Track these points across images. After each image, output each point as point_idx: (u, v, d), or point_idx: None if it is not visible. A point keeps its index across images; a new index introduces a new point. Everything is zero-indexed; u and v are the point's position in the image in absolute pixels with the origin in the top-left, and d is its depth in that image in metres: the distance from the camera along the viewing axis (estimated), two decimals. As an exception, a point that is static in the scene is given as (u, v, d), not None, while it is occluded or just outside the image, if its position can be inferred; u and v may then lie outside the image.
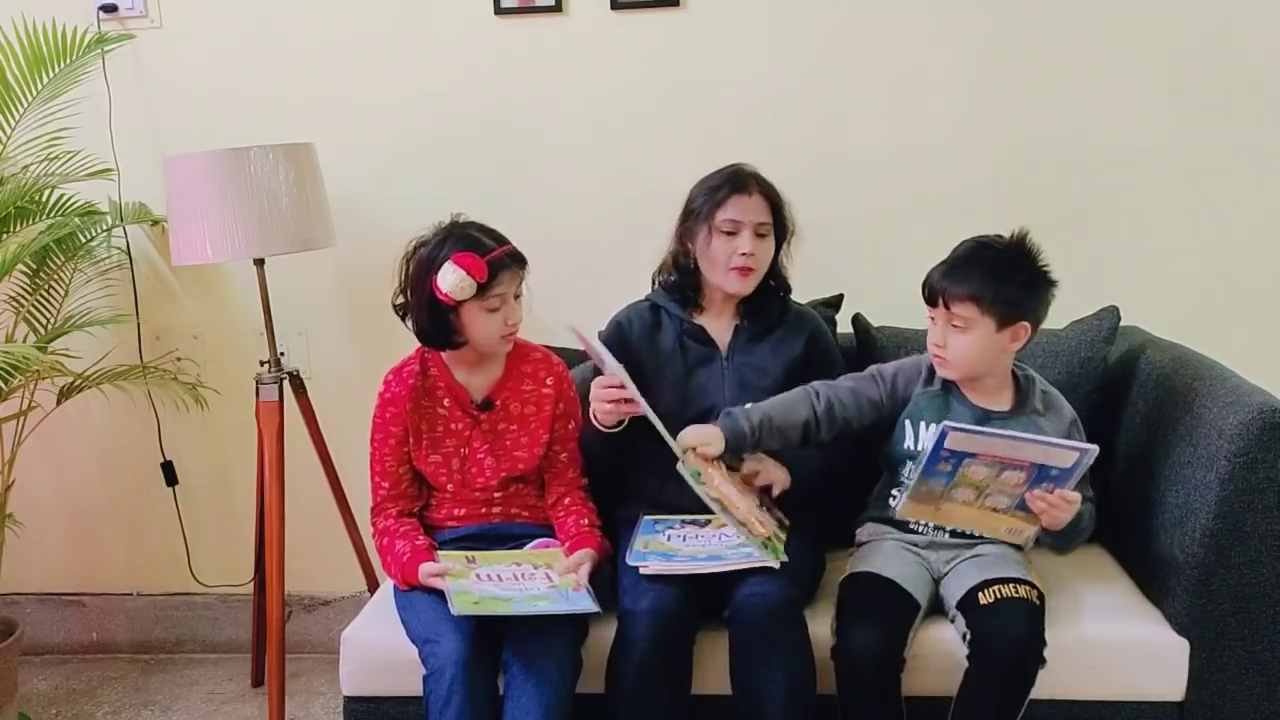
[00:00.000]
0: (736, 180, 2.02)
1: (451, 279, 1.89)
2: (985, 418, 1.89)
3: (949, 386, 1.94)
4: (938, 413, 1.90)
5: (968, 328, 1.82)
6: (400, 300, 2.02)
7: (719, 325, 2.10)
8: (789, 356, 2.08)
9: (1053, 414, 1.92)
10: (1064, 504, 1.74)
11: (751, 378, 2.05)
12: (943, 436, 1.69)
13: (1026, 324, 1.84)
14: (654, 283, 2.17)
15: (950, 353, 1.85)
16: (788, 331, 2.10)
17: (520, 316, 1.99)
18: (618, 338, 2.11)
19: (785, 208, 2.05)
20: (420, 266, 1.95)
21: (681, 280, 2.09)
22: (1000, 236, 1.89)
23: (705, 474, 1.83)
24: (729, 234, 1.99)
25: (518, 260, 1.97)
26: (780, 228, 2.05)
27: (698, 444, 1.85)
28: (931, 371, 1.95)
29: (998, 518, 1.81)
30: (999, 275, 1.82)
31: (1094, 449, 1.71)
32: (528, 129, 2.58)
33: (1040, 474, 1.73)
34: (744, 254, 1.99)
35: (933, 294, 1.86)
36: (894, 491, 1.97)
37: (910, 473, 1.86)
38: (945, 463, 1.73)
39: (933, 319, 1.88)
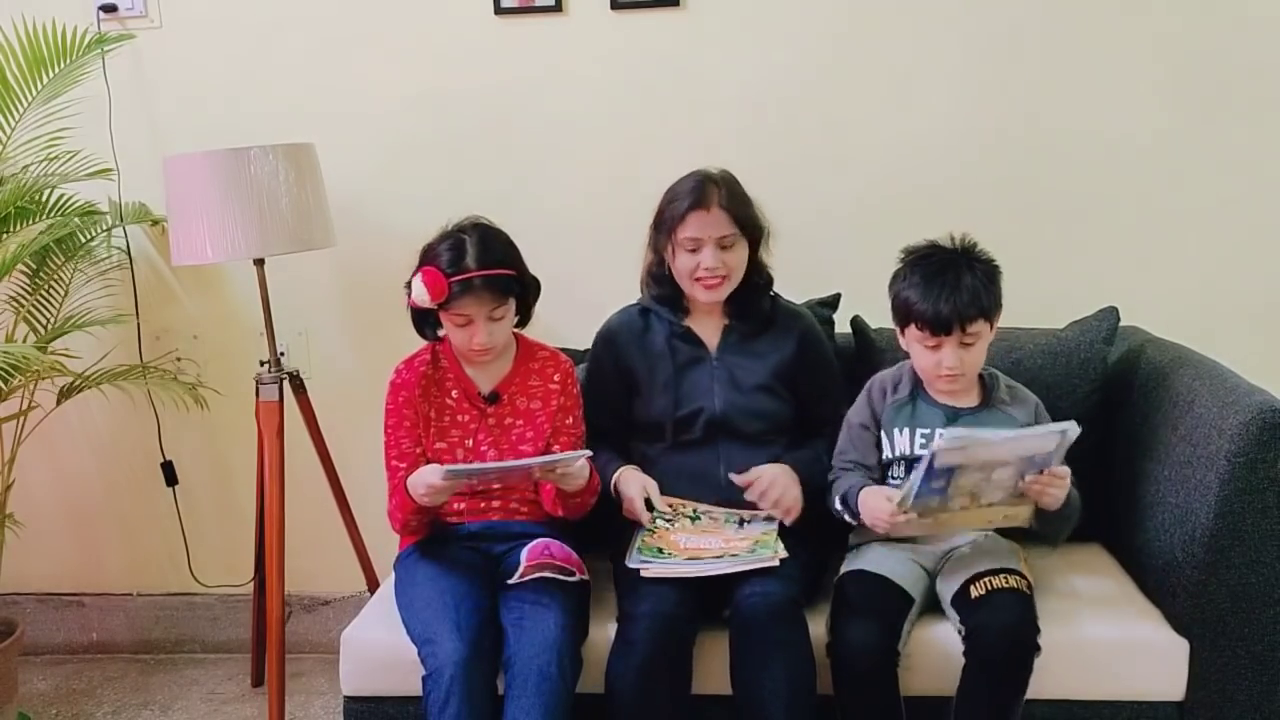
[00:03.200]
0: (696, 195, 1.99)
1: (415, 288, 1.93)
2: (954, 415, 1.94)
3: (916, 393, 1.99)
4: (907, 419, 1.97)
5: (977, 341, 1.89)
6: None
7: (708, 326, 2.11)
8: (779, 357, 2.08)
9: (1018, 403, 1.97)
10: (1057, 481, 1.78)
11: (741, 378, 2.05)
12: (932, 460, 1.69)
13: (999, 313, 1.94)
14: (642, 287, 2.17)
15: (965, 368, 1.90)
16: (779, 331, 2.10)
17: (486, 340, 1.95)
18: (607, 345, 2.13)
19: (751, 212, 2.03)
20: (418, 260, 1.98)
21: (662, 289, 2.10)
22: (952, 250, 1.93)
23: (663, 531, 1.92)
24: (692, 251, 2.00)
25: (494, 286, 1.93)
26: (751, 230, 2.03)
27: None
28: (896, 384, 2.01)
29: (994, 510, 1.84)
30: (987, 287, 1.89)
31: (1073, 425, 1.73)
32: (528, 129, 2.57)
33: (1027, 464, 1.76)
34: (706, 268, 1.99)
35: (947, 325, 1.85)
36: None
37: (904, 487, 1.85)
38: (937, 480, 1.73)
39: (935, 346, 1.88)
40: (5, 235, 2.48)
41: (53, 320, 2.62)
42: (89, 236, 2.62)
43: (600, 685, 1.83)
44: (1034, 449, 1.74)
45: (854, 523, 1.94)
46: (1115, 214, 2.47)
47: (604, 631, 1.87)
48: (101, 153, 2.60)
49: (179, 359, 2.77)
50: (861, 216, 2.51)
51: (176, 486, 2.83)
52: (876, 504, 1.85)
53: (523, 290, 2.01)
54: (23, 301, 2.59)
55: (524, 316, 2.07)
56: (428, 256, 1.96)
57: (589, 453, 1.91)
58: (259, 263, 2.40)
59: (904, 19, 2.44)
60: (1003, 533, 2.00)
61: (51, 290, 2.62)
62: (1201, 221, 2.45)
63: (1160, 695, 1.85)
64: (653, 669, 1.78)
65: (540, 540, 1.99)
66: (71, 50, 2.47)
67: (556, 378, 2.08)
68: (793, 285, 2.17)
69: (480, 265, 1.92)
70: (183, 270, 2.71)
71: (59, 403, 2.63)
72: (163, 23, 2.62)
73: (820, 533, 2.05)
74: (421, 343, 2.09)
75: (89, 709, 2.67)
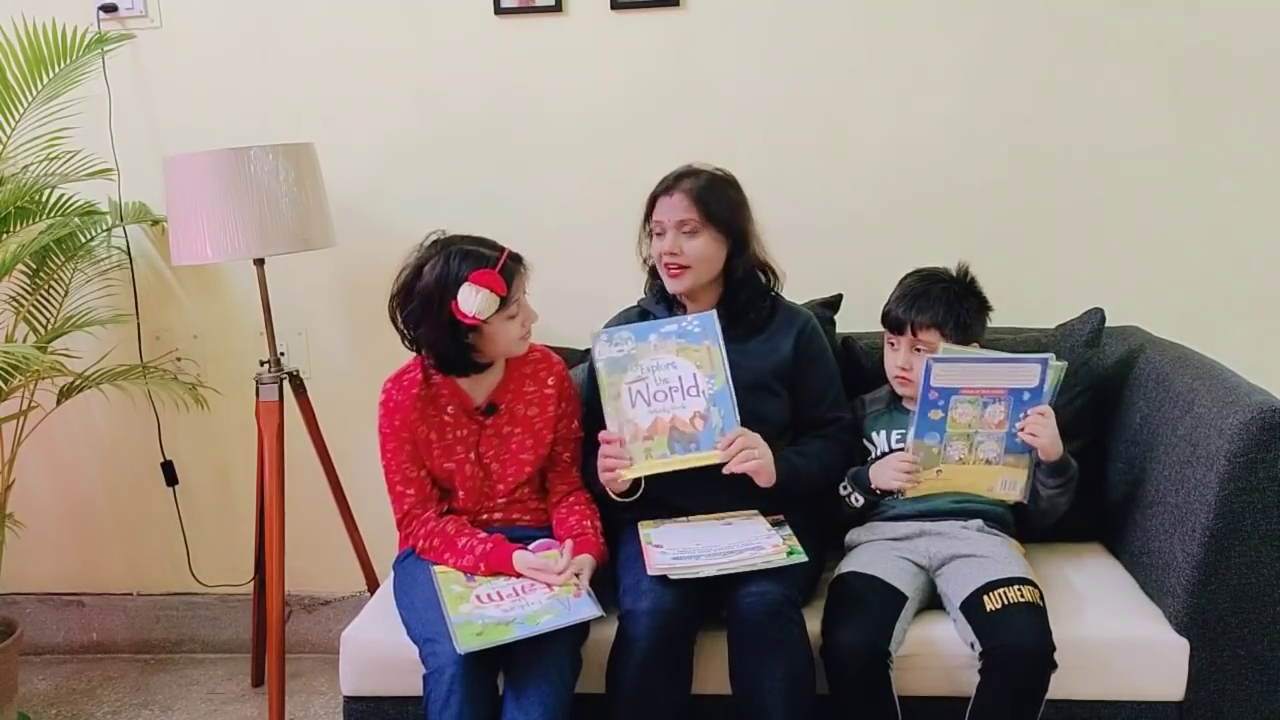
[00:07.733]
0: (666, 182, 2.06)
1: (476, 300, 1.87)
2: None
3: (892, 404, 2.13)
4: (886, 423, 2.11)
5: (931, 352, 1.98)
6: (413, 335, 1.96)
7: None
8: (776, 357, 2.07)
9: None
10: (1042, 419, 1.89)
11: (739, 378, 2.03)
12: (928, 372, 1.86)
13: (977, 344, 2.04)
14: (645, 288, 2.19)
15: (915, 374, 2.00)
16: (776, 331, 2.10)
17: (534, 315, 2.01)
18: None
19: (727, 210, 2.02)
20: (431, 296, 1.90)
21: (657, 285, 2.13)
22: (946, 269, 2.09)
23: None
24: (659, 235, 2.04)
25: (518, 260, 1.98)
26: (722, 225, 2.02)
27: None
28: (876, 396, 2.16)
29: (992, 471, 1.94)
30: (956, 305, 2.03)
31: (1051, 356, 1.88)
32: (527, 129, 2.57)
33: (1016, 402, 1.89)
34: (665, 253, 2.02)
35: (899, 324, 2.05)
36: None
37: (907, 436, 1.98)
38: (936, 409, 1.88)
39: (893, 344, 2.08)
40: (5, 235, 2.48)
41: (53, 320, 2.62)
42: (89, 236, 2.62)
43: (600, 685, 1.83)
44: (1020, 380, 1.88)
45: (861, 501, 2.03)
46: (1115, 214, 2.47)
47: (604, 631, 1.87)
48: (101, 153, 2.60)
49: (179, 359, 2.77)
50: (862, 217, 2.51)
51: (176, 486, 2.83)
52: (887, 460, 1.99)
53: None
54: (23, 301, 2.59)
55: None
56: (455, 279, 1.88)
57: (602, 614, 1.82)
58: (259, 263, 2.40)
59: (904, 21, 2.44)
60: (1000, 526, 2.02)
61: (51, 290, 2.62)
62: (1201, 222, 2.45)
63: (1160, 695, 1.85)
64: (654, 666, 1.79)
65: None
66: (71, 50, 2.47)
67: (551, 381, 2.07)
68: (794, 285, 2.17)
69: (495, 250, 1.94)
70: (183, 270, 2.71)
71: (59, 403, 2.63)
72: (163, 23, 2.62)
73: (818, 533, 2.06)
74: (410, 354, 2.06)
75: (89, 709, 2.67)
